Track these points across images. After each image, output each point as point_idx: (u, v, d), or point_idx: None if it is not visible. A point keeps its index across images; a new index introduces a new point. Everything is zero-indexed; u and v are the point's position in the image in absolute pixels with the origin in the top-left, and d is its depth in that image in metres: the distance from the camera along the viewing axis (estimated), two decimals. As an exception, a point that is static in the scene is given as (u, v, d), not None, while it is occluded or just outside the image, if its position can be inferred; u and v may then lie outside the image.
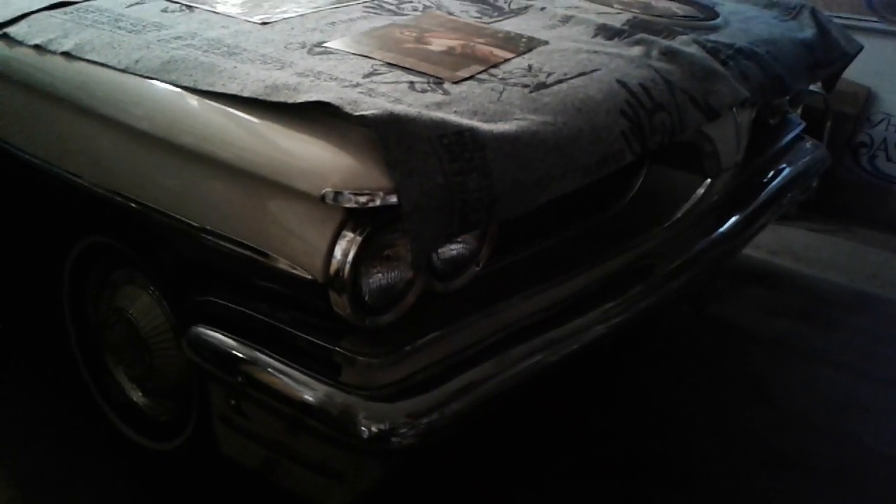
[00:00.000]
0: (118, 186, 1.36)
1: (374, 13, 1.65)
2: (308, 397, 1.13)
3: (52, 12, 1.58)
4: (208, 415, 1.37)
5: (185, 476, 1.63)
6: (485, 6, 1.79)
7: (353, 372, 1.13)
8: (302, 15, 1.59)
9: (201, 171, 1.23)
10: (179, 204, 1.27)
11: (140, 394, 1.67)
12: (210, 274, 1.29)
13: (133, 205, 1.33)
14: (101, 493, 1.64)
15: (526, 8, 1.80)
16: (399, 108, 1.10)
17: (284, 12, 1.60)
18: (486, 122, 1.19)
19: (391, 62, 1.36)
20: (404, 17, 1.64)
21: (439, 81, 1.30)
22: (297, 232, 1.12)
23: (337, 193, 1.04)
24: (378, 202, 1.04)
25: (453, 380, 1.16)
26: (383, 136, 1.05)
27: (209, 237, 1.23)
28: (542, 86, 1.35)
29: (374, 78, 1.28)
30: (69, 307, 1.72)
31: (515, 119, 1.23)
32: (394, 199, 1.05)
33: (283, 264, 1.15)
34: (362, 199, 1.04)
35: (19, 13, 1.57)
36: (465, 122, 1.15)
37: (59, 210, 1.60)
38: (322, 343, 1.14)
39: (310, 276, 1.11)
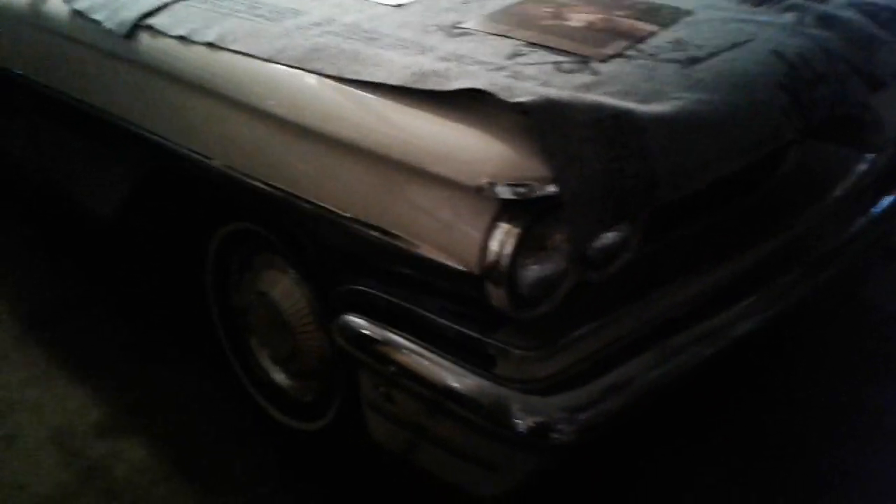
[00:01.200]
0: (264, 175, 1.37)
1: (510, -11, 1.61)
2: (462, 389, 1.13)
3: (189, 2, 1.61)
4: (355, 399, 1.39)
5: (329, 455, 1.67)
6: (619, -24, 1.71)
7: (508, 364, 1.11)
8: (434, -4, 1.57)
9: (348, 161, 1.23)
10: (326, 193, 1.27)
11: (284, 375, 1.71)
12: (357, 262, 1.29)
13: (279, 193, 1.34)
14: (248, 470, 1.71)
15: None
16: (554, 93, 1.07)
17: (416, -8, 1.58)
18: (640, 102, 1.14)
19: (533, 41, 1.32)
20: (537, -8, 1.59)
21: (585, 60, 1.26)
22: (449, 222, 1.10)
23: (494, 185, 1.02)
24: (536, 193, 1.01)
25: (610, 373, 1.12)
26: (540, 124, 1.02)
27: (356, 226, 1.23)
28: (695, 61, 1.28)
29: (518, 59, 1.25)
30: (213, 292, 1.78)
31: (670, 98, 1.17)
32: (551, 188, 1.01)
33: (433, 254, 1.13)
34: (520, 189, 1.01)
35: (159, 4, 1.61)
36: (620, 104, 1.10)
37: (204, 198, 1.64)
38: (475, 334, 1.13)
39: (463, 267, 1.09)
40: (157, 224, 1.81)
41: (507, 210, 1.05)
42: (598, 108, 1.06)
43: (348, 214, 1.24)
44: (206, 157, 1.49)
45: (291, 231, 1.45)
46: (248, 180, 1.40)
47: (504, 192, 1.01)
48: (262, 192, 1.38)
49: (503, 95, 1.05)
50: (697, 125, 1.15)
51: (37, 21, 1.86)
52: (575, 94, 1.08)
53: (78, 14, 1.71)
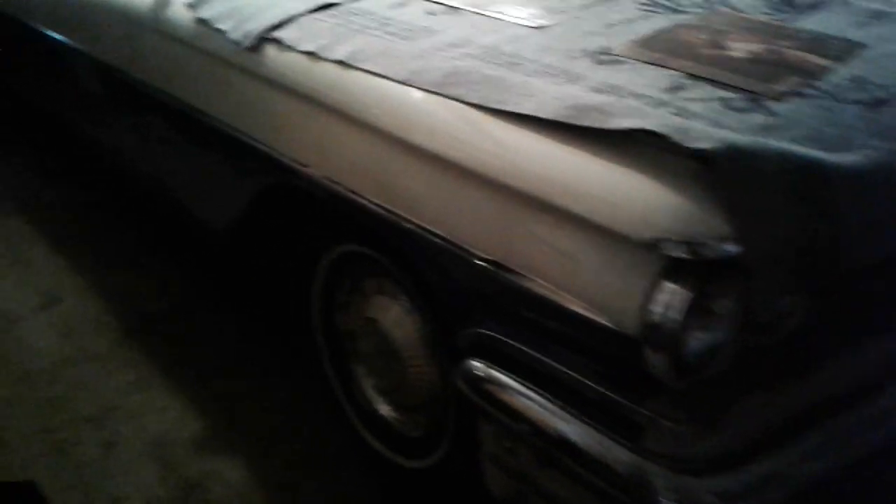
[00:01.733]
0: (390, 201, 1.30)
1: (653, 11, 1.49)
2: (603, 458, 1.02)
3: (318, 15, 1.55)
4: (468, 443, 1.30)
5: (433, 494, 1.59)
6: (774, 0, 1.57)
7: (657, 437, 1.00)
8: (575, 16, 1.46)
9: (486, 196, 1.14)
10: (459, 228, 1.18)
11: (389, 407, 1.63)
12: (488, 304, 1.20)
13: (407, 224, 1.26)
14: (345, 499, 1.64)
15: (823, 1, 1.56)
16: (737, 139, 0.95)
17: (553, 12, 1.48)
18: (825, 150, 1.00)
19: (693, 73, 1.20)
20: (687, 16, 1.47)
21: (756, 98, 1.13)
22: (604, 275, 0.99)
23: (664, 241, 0.91)
24: (712, 254, 0.90)
25: (774, 457, 1.00)
26: (722, 174, 0.90)
27: (491, 266, 1.14)
28: (881, 103, 1.14)
29: (681, 94, 1.13)
30: (320, 313, 1.72)
31: (858, 147, 1.04)
32: (730, 248, 0.89)
33: (580, 307, 1.03)
34: (695, 248, 0.90)
35: (287, 16, 1.55)
36: (808, 153, 0.97)
37: (319, 217, 1.58)
38: (622, 400, 1.02)
39: (616, 327, 0.98)
40: (269, 240, 1.76)
41: (675, 268, 0.93)
42: (786, 158, 0.94)
43: (482, 254, 1.15)
44: (327, 178, 1.42)
45: (413, 262, 1.37)
46: (371, 204, 1.32)
47: (676, 251, 0.90)
48: (386, 218, 1.30)
49: (679, 139, 0.94)
50: (889, 178, 1.01)
51: (160, 27, 1.83)
52: (758, 140, 0.96)
53: (202, 22, 1.67)
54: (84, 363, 2.06)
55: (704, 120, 1.04)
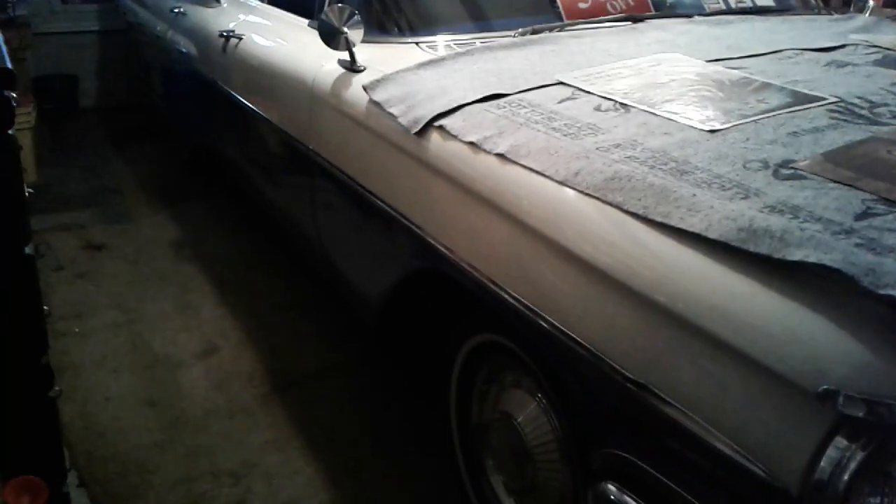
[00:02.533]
0: (533, 299, 1.25)
1: (844, 120, 1.37)
2: None
3: (485, 105, 1.55)
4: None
5: None
6: None
7: None
8: (755, 121, 1.37)
9: (639, 313, 1.06)
10: (605, 342, 1.12)
11: (516, 510, 1.56)
12: (628, 426, 1.11)
13: (548, 324, 1.21)
14: None
15: None
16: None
17: (730, 115, 1.39)
18: None
19: (887, 197, 1.08)
20: (884, 129, 1.33)
21: (963, 233, 0.99)
22: (765, 421, 0.89)
23: (839, 395, 0.80)
24: (893, 417, 0.78)
25: None
26: (914, 328, 0.78)
27: (638, 389, 1.06)
28: None
29: (872, 221, 1.01)
30: (455, 400, 1.69)
31: None
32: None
33: (729, 449, 0.93)
34: (874, 408, 0.78)
35: (454, 104, 1.57)
36: None
37: (465, 304, 1.56)
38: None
39: (771, 479, 0.87)
40: (416, 319, 1.76)
41: (849, 425, 0.82)
42: None
43: (626, 371, 1.07)
44: (475, 267, 1.40)
45: (552, 362, 1.31)
46: (513, 299, 1.28)
47: (853, 409, 0.79)
48: (527, 315, 1.26)
49: (866, 283, 0.83)
50: None
51: (336, 104, 1.92)
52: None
53: (375, 104, 1.73)
54: (232, 416, 2.14)
55: (897, 256, 0.92)
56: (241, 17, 2.80)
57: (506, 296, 1.32)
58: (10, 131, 0.97)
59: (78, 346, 2.39)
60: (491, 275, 1.37)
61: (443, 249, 1.50)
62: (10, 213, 1.02)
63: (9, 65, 0.99)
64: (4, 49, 1.09)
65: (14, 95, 0.99)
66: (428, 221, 1.56)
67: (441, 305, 1.66)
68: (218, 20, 2.91)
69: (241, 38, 2.61)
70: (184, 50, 3.18)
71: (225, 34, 2.69)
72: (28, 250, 1.05)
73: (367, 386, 2.26)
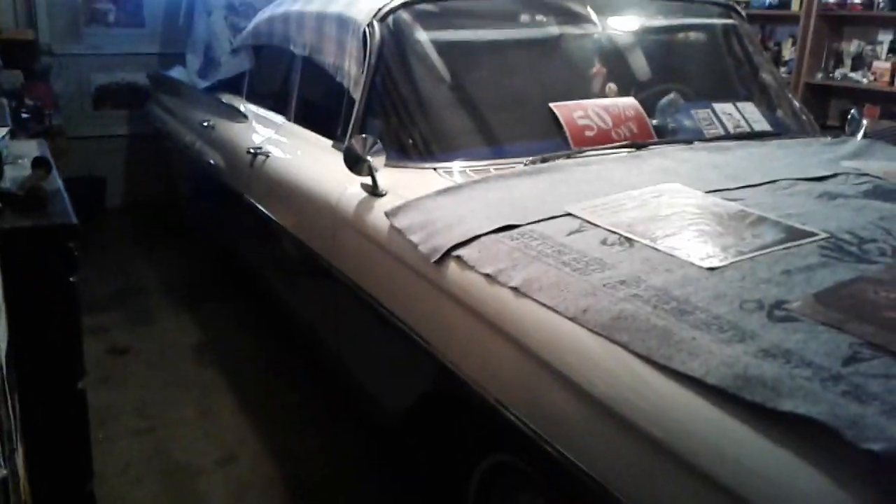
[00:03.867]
0: (545, 427, 1.34)
1: (834, 257, 1.47)
2: None
3: (499, 236, 1.66)
4: None
5: None
6: (973, 251, 1.50)
7: None
8: (751, 258, 1.47)
9: (640, 445, 1.14)
10: (605, 467, 1.19)
11: None
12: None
13: (560, 455, 1.29)
14: None
15: None
16: (914, 441, 0.91)
17: (728, 252, 1.50)
18: None
19: (873, 342, 1.16)
20: (872, 267, 1.43)
21: (944, 379, 1.07)
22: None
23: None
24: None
25: None
26: (892, 480, 0.86)
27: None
28: None
29: (858, 367, 1.10)
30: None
31: None
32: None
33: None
34: (862, 555, 0.85)
35: (471, 235, 1.68)
36: None
37: (478, 425, 1.63)
38: None
39: None
40: (433, 437, 1.83)
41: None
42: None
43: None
44: (492, 394, 1.49)
45: (561, 486, 1.38)
46: (527, 427, 1.36)
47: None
48: (541, 445, 1.33)
49: (849, 435, 0.91)
50: None
51: (360, 226, 2.04)
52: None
53: (396, 230, 1.85)
54: (249, 528, 2.18)
55: (882, 405, 1.00)
56: (268, 134, 2.97)
57: (517, 420, 1.40)
58: (72, 278, 1.08)
59: (102, 454, 2.45)
60: (504, 399, 1.46)
61: (459, 373, 1.59)
62: (69, 350, 1.12)
63: (74, 219, 1.10)
64: (67, 199, 1.21)
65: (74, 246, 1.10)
66: (445, 345, 1.66)
67: (458, 425, 1.73)
68: (246, 136, 3.09)
69: (267, 156, 2.78)
70: (212, 161, 3.36)
71: (252, 151, 2.86)
72: (81, 385, 1.15)
73: (385, 498, 2.30)
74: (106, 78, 5.19)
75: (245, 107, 3.37)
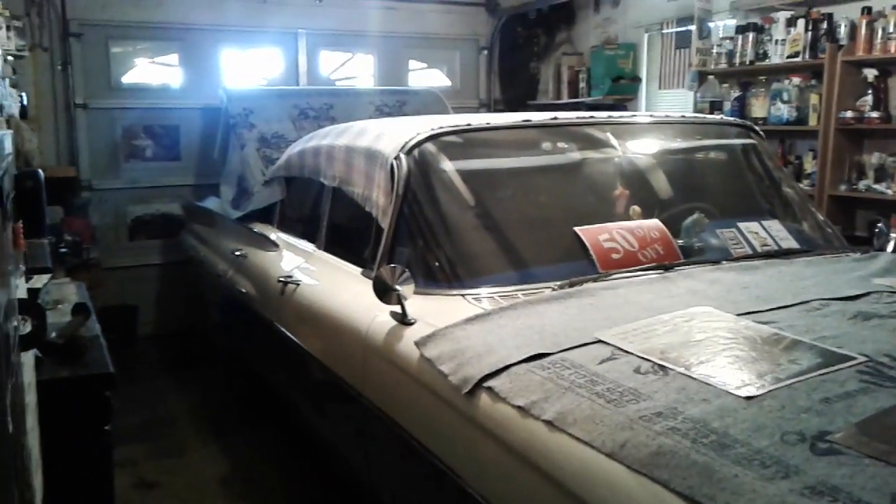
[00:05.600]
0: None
1: (874, 383, 1.44)
2: None
3: (530, 365, 1.65)
4: None
5: None
6: None
7: None
8: (789, 386, 1.44)
9: None
10: None
11: None
12: None
13: None
14: None
15: None
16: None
17: (764, 379, 1.47)
18: None
19: (923, 476, 1.12)
20: (914, 392, 1.39)
21: None
22: None
23: None
24: None
25: None
26: None
27: None
28: None
29: (911, 505, 1.05)
30: None
31: None
32: None
33: None
34: None
35: (501, 365, 1.67)
36: None
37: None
38: None
39: None
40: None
41: None
42: None
43: None
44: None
45: None
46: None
47: None
48: None
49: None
50: None
51: (390, 356, 2.04)
52: None
53: (426, 360, 1.84)
54: None
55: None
56: (298, 262, 3.03)
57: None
58: (106, 427, 1.09)
59: None
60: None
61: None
62: (100, 498, 1.11)
63: (111, 368, 1.12)
64: (105, 346, 1.24)
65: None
66: (477, 478, 1.62)
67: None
68: (276, 264, 3.16)
69: (298, 284, 2.82)
70: (243, 290, 3.42)
71: (283, 280, 2.91)
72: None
73: None
74: (142, 209, 5.38)
75: (276, 236, 3.46)
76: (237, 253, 3.60)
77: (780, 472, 1.15)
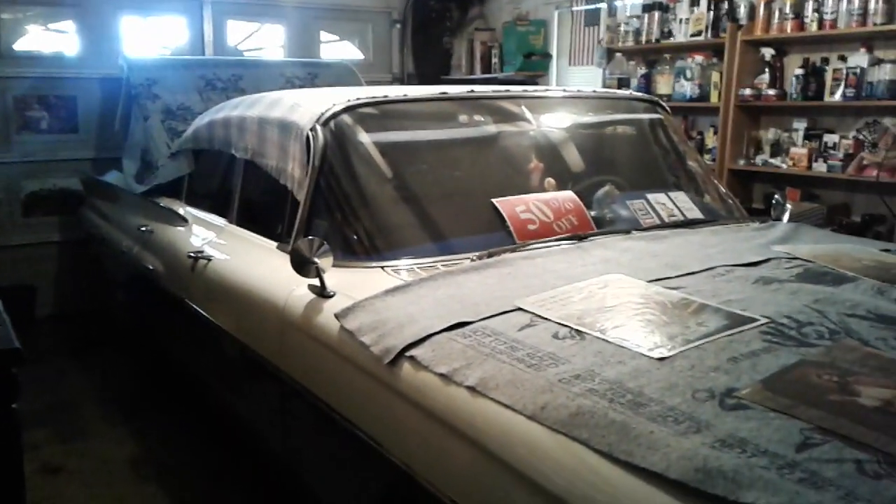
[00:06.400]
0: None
1: (776, 342, 1.52)
2: None
3: (452, 334, 1.66)
4: None
5: None
6: (904, 331, 1.58)
7: None
8: (697, 346, 1.51)
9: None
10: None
11: None
12: None
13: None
14: None
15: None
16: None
17: (675, 341, 1.53)
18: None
19: (822, 426, 1.20)
20: (813, 350, 1.48)
21: (892, 460, 1.10)
22: None
23: None
24: None
25: None
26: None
27: None
28: None
29: (811, 453, 1.12)
30: None
31: None
32: None
33: None
34: None
35: (423, 334, 1.68)
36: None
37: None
38: None
39: None
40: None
41: None
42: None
43: None
44: (448, 495, 1.46)
45: None
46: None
47: None
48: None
49: (812, 528, 0.93)
50: None
51: (308, 329, 2.02)
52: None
53: (346, 332, 1.83)
54: None
55: (837, 490, 1.02)
56: (209, 237, 2.95)
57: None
58: (14, 405, 1.03)
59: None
60: (461, 500, 1.43)
61: (414, 475, 1.56)
62: (9, 481, 1.06)
63: (17, 343, 1.07)
64: (9, 322, 1.18)
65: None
66: (400, 447, 1.63)
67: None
68: (186, 241, 3.06)
69: (209, 260, 2.75)
70: (151, 267, 3.30)
71: (193, 255, 2.82)
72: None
73: None
74: (37, 184, 5.10)
75: (185, 210, 3.35)
76: (143, 229, 3.47)
77: (692, 427, 1.21)
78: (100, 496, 2.84)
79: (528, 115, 2.75)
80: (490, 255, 2.14)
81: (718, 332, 1.57)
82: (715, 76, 4.53)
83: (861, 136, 3.99)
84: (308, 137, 2.38)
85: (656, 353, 1.48)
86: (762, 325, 1.59)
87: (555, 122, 2.84)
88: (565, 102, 2.96)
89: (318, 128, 2.38)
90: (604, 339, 1.56)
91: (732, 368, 1.41)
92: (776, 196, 2.96)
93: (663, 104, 3.15)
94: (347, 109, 2.44)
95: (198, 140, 3.39)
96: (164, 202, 3.53)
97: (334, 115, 2.41)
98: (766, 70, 4.36)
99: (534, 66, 5.68)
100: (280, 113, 2.62)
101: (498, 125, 2.74)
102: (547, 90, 3.25)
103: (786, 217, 2.76)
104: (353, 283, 2.04)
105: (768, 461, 1.09)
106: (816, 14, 4.04)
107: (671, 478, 1.09)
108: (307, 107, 2.50)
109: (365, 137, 2.46)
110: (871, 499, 1.00)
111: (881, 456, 1.11)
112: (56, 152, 5.06)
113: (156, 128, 4.20)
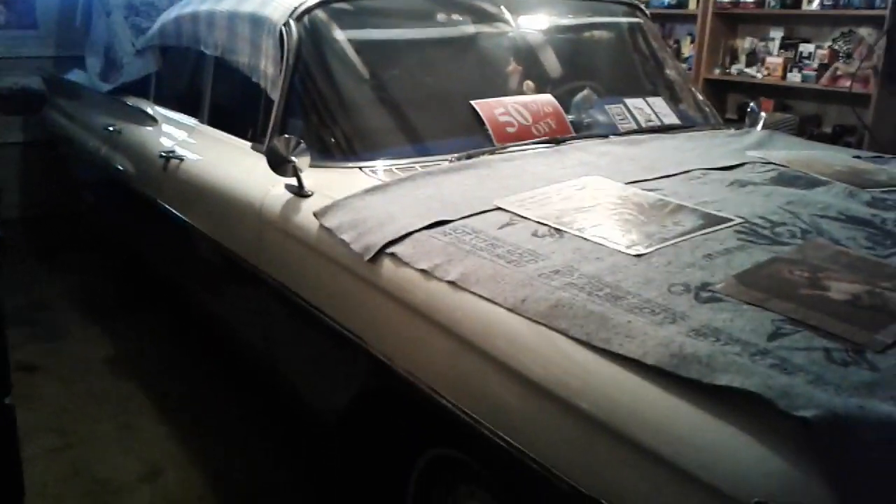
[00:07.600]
0: (483, 414, 1.36)
1: (750, 241, 1.56)
2: None
3: (432, 231, 1.67)
4: None
5: None
6: (873, 231, 1.62)
7: None
8: (674, 244, 1.54)
9: (582, 428, 1.18)
10: (559, 459, 1.22)
11: None
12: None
13: (504, 443, 1.31)
14: None
15: (923, 235, 1.60)
16: (840, 406, 0.97)
17: (652, 239, 1.56)
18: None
19: (794, 317, 1.24)
20: (785, 248, 1.52)
21: (859, 349, 1.15)
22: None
23: (766, 504, 0.93)
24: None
25: None
26: (823, 442, 0.92)
27: (584, 500, 1.16)
28: None
29: (782, 342, 1.17)
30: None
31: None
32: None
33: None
34: (801, 516, 0.91)
35: (404, 231, 1.69)
36: (913, 418, 0.98)
37: (418, 420, 1.64)
38: None
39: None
40: (369, 436, 1.83)
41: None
42: (890, 425, 0.95)
43: (579, 487, 1.18)
44: (431, 386, 1.50)
45: (499, 472, 1.41)
46: (473, 422, 1.38)
47: (781, 516, 0.92)
48: (475, 428, 1.36)
49: (782, 405, 0.97)
50: None
51: (287, 228, 2.02)
52: (864, 406, 0.98)
53: (326, 230, 1.83)
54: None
55: (807, 375, 1.07)
56: (181, 137, 2.89)
57: (456, 410, 1.42)
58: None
59: (17, 476, 2.32)
60: (443, 391, 1.47)
61: (395, 367, 1.59)
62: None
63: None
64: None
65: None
66: (380, 341, 1.66)
67: (394, 422, 1.74)
68: (156, 140, 3.00)
69: (182, 160, 2.70)
70: (119, 167, 3.24)
71: (165, 154, 2.77)
72: (8, 400, 1.09)
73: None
74: (-4, 83, 4.92)
75: (153, 110, 3.27)
76: (110, 129, 3.39)
77: (668, 317, 1.24)
78: (78, 393, 2.86)
79: (506, 15, 2.70)
80: (469, 157, 2.13)
81: (694, 231, 1.60)
82: (695, -18, 4.46)
83: (836, 47, 3.99)
84: (281, 33, 2.31)
85: (633, 250, 1.50)
86: (737, 224, 1.63)
87: (534, 24, 2.79)
88: (545, 3, 2.89)
89: (292, 23, 2.31)
90: (582, 237, 1.58)
91: (707, 264, 1.44)
92: (751, 104, 2.97)
93: (642, 8, 3.10)
94: (321, 4, 2.36)
95: (165, 36, 3.27)
96: (132, 101, 3.43)
97: (308, 10, 2.34)
98: (747, -24, 4.30)
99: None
100: (251, 7, 2.53)
101: (476, 25, 2.68)
102: (526, -10, 3.17)
103: (760, 125, 2.78)
104: (330, 184, 2.02)
105: (741, 348, 1.14)
106: (801, -82, 3.96)
107: (648, 363, 1.13)
108: (280, 1, 2.41)
109: (340, 34, 2.39)
110: (839, 383, 1.05)
111: (849, 345, 1.16)
112: (14, 49, 4.87)
113: (119, 23, 4.03)
